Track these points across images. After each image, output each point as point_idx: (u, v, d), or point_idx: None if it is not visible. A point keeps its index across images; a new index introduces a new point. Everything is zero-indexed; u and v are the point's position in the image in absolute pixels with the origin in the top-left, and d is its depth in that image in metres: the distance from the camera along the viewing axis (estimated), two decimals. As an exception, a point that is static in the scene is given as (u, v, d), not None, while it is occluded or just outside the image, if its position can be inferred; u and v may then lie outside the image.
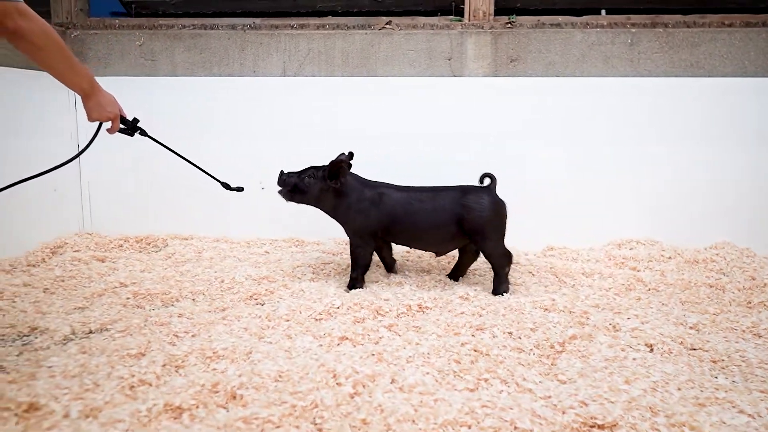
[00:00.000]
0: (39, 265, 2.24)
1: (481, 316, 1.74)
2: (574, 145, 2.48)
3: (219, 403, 1.20)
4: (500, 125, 2.50)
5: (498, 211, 1.98)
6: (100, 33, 2.63)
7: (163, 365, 1.38)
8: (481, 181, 2.06)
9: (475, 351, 1.45)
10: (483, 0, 2.50)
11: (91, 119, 1.57)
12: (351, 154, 2.00)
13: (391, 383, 1.26)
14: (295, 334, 1.59)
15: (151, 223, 2.68)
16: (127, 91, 2.59)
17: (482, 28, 2.50)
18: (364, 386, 1.25)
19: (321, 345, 1.51)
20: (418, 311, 1.78)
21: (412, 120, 2.52)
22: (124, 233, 2.66)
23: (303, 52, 2.55)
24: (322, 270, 2.23)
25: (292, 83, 2.56)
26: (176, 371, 1.36)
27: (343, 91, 2.53)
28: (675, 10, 2.50)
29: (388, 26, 2.53)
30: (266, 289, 1.96)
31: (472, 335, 1.59)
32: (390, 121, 2.53)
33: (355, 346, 1.52)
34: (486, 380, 1.32)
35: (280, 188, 1.97)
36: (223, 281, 2.06)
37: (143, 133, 1.76)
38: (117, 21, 2.67)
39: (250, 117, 2.58)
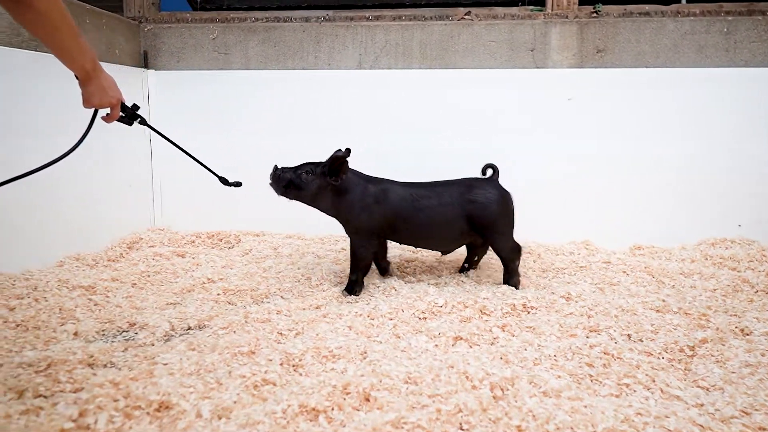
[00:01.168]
0: (119, 260, 2.21)
1: (590, 317, 1.65)
2: (663, 139, 2.37)
3: (353, 405, 1.14)
4: (587, 118, 2.40)
5: (507, 204, 1.91)
6: (173, 27, 2.60)
7: (281, 364, 1.32)
8: (484, 172, 1.98)
9: (606, 354, 1.36)
10: (567, -12, 2.41)
11: (89, 105, 1.36)
12: (348, 151, 1.83)
13: (531, 386, 1.18)
14: (404, 334, 1.53)
15: (222, 220, 2.65)
16: (200, 85, 2.60)
17: (566, 17, 2.40)
18: (502, 389, 1.18)
19: (437, 345, 1.44)
20: (522, 311, 1.69)
21: (492, 113, 2.43)
22: (195, 229, 2.64)
23: (380, 44, 2.49)
24: (406, 267, 2.16)
25: (368, 76, 2.50)
26: (295, 370, 1.31)
27: (420, 84, 2.46)
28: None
29: (467, 17, 2.45)
30: (367, 291, 1.90)
31: (587, 336, 1.50)
32: (470, 115, 2.44)
33: (471, 346, 1.45)
34: (627, 385, 1.24)
35: (271, 182, 1.85)
36: (309, 278, 2.01)
37: (143, 122, 1.58)
38: (189, 15, 2.65)
39: (325, 110, 2.53)
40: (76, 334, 1.53)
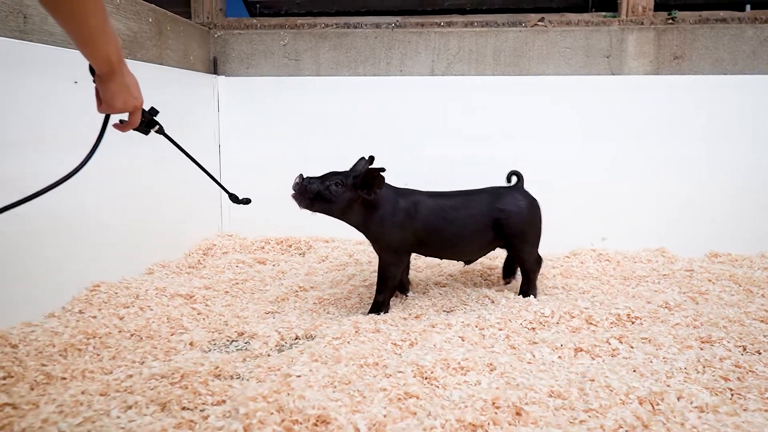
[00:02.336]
0: (200, 267, 2.22)
1: (697, 327, 1.64)
2: (740, 145, 2.36)
3: (507, 420, 1.14)
4: (664, 124, 2.39)
5: (536, 212, 1.88)
6: (243, 33, 2.61)
7: (414, 376, 1.32)
8: (509, 179, 1.95)
9: (737, 367, 1.36)
10: (643, -5, 2.40)
11: (109, 108, 1.13)
12: (372, 158, 1.80)
13: (682, 401, 1.18)
14: (519, 345, 1.52)
15: (288, 226, 2.64)
16: (270, 91, 2.60)
17: (642, 24, 2.39)
18: (652, 404, 1.17)
19: (560, 357, 1.44)
20: (627, 321, 1.69)
21: (568, 120, 2.43)
22: (262, 235, 2.64)
23: (453, 51, 2.49)
24: (489, 276, 2.16)
25: (441, 82, 2.50)
26: (430, 383, 1.31)
27: (494, 91, 2.46)
28: None
29: (540, 23, 2.45)
30: (456, 298, 1.90)
31: (701, 348, 1.50)
32: (545, 121, 2.44)
33: (593, 358, 1.44)
34: (772, 401, 1.23)
35: (294, 193, 1.70)
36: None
37: (160, 130, 1.36)
38: (257, 21, 2.65)
39: (397, 116, 2.53)
40: (191, 344, 1.54)
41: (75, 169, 1.10)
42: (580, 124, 2.43)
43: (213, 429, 1.10)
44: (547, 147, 2.44)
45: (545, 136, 2.45)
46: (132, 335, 1.55)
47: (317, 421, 1.12)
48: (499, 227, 1.81)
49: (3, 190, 1.34)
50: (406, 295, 1.94)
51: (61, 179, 1.07)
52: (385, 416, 1.15)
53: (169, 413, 1.19)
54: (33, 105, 1.52)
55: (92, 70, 1.10)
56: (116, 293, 1.76)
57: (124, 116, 1.21)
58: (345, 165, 1.84)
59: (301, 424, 1.11)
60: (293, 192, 1.70)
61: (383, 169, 1.66)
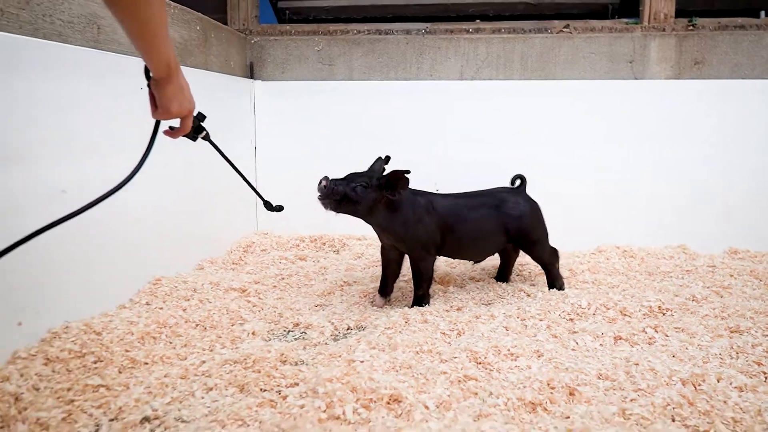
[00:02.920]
0: (242, 264, 2.32)
1: (724, 318, 1.75)
2: (760, 146, 2.47)
3: (563, 399, 1.24)
4: (685, 127, 2.50)
5: (537, 212, 1.98)
6: (279, 39, 2.71)
7: (469, 361, 1.43)
8: (513, 182, 2.05)
9: (770, 353, 1.46)
10: (664, 2, 2.51)
11: (168, 111, 1.15)
12: (388, 158, 1.87)
13: (722, 382, 1.28)
14: (561, 334, 1.63)
15: (320, 224, 2.74)
16: (305, 95, 2.70)
17: (664, 30, 2.50)
18: (695, 385, 1.27)
19: (602, 344, 1.54)
20: (658, 312, 1.79)
21: (593, 122, 2.53)
22: (297, 234, 2.75)
23: (482, 56, 2.59)
24: (521, 271, 2.27)
25: (470, 87, 2.60)
26: (484, 368, 1.41)
27: (522, 95, 2.56)
28: None
29: (565, 30, 2.55)
30: (493, 292, 2.00)
31: (730, 337, 1.60)
32: (570, 124, 2.55)
33: (632, 345, 1.55)
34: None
35: (321, 196, 1.71)
36: (434, 280, 2.12)
37: (207, 136, 1.41)
38: (291, 27, 2.76)
39: (426, 119, 2.63)
40: (254, 333, 1.64)
41: (128, 177, 1.11)
42: (604, 127, 2.54)
43: (295, 407, 1.20)
44: (572, 149, 2.55)
45: (571, 138, 2.55)
46: (197, 325, 1.66)
47: (390, 399, 1.22)
48: (507, 230, 1.91)
49: (78, 191, 1.45)
50: (388, 299, 1.95)
51: (115, 187, 1.08)
52: (449, 396, 1.26)
53: (248, 394, 1.29)
54: (103, 110, 1.63)
55: (147, 76, 1.13)
56: (176, 287, 1.87)
57: (174, 122, 1.23)
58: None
59: (375, 402, 1.21)
60: (319, 194, 1.72)
61: (408, 171, 1.72)
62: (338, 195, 1.71)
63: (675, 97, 2.49)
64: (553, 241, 2.07)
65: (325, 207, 1.75)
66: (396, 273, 1.94)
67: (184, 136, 1.29)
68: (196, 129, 1.35)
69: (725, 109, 2.47)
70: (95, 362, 1.35)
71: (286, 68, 2.72)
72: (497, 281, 2.13)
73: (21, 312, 1.32)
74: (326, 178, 1.71)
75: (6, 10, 1.27)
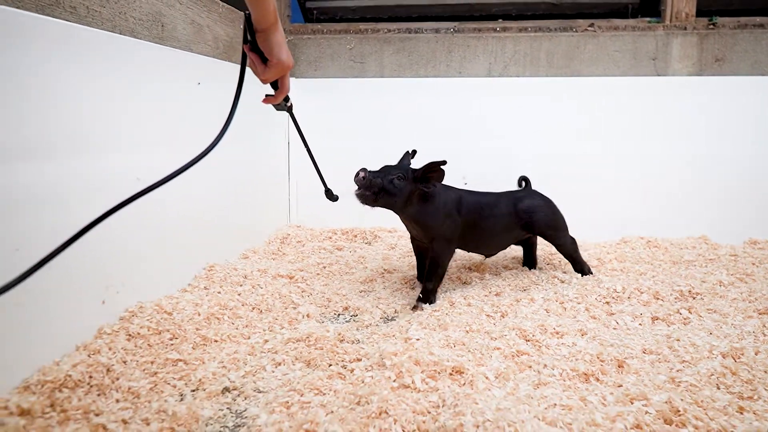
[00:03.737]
0: (282, 254, 2.41)
1: (752, 302, 1.83)
2: (765, 143, 2.56)
3: (613, 371, 1.33)
4: (705, 122, 2.59)
5: (551, 205, 2.07)
6: (312, 38, 2.81)
7: (518, 338, 1.51)
8: (519, 184, 2.16)
9: (801, 331, 1.55)
10: (686, 2, 2.60)
11: (279, 60, 1.14)
12: (414, 152, 1.92)
13: (760, 355, 1.37)
14: (599, 315, 1.72)
15: (350, 217, 2.83)
16: (337, 92, 2.79)
17: (686, 29, 2.59)
18: (734, 358, 1.36)
19: (641, 324, 1.63)
20: (689, 296, 1.88)
21: (617, 118, 2.62)
22: (328, 226, 2.84)
23: (509, 54, 2.68)
24: (551, 260, 2.35)
25: (498, 83, 2.69)
26: (534, 344, 1.50)
27: (548, 91, 2.66)
28: None
29: (590, 29, 2.64)
30: (528, 279, 2.10)
31: (760, 317, 1.69)
32: (595, 119, 2.64)
33: (669, 325, 1.64)
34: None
35: (361, 190, 1.72)
36: (469, 268, 2.21)
37: (291, 108, 1.44)
38: (323, 26, 2.85)
39: (455, 115, 2.72)
40: (308, 315, 1.73)
41: (209, 147, 1.08)
42: (627, 122, 2.63)
43: (367, 377, 1.29)
44: (597, 143, 2.64)
45: (596, 133, 2.64)
46: (254, 308, 1.75)
47: (452, 371, 1.31)
48: (530, 226, 1.99)
49: (151, 179, 1.53)
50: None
51: (190, 162, 1.04)
52: (506, 368, 1.35)
53: (316, 368, 1.38)
54: (167, 102, 1.72)
55: (245, 37, 1.13)
56: (228, 273, 1.96)
57: (268, 90, 1.28)
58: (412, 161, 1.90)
59: (440, 373, 1.30)
60: (357, 188, 1.71)
61: (444, 162, 1.74)
62: (376, 187, 1.72)
63: (696, 93, 2.58)
64: (579, 233, 2.16)
65: (362, 200, 1.74)
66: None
67: (275, 104, 1.32)
68: (285, 97, 1.33)
69: (745, 105, 2.56)
70: (171, 339, 1.44)
71: (318, 66, 2.81)
72: (528, 268, 2.22)
73: (104, 291, 1.41)
74: (364, 169, 1.72)
75: (90, 7, 1.36)
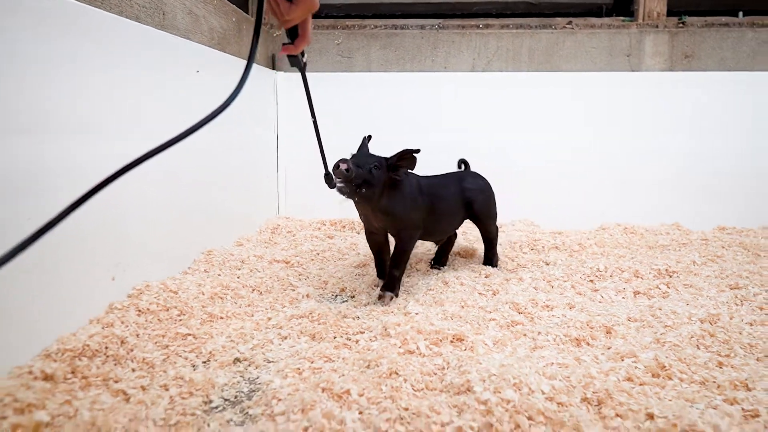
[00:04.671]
0: (273, 243, 2.45)
1: (723, 278, 1.96)
2: (744, 132, 2.72)
3: (602, 336, 1.42)
4: (674, 115, 2.74)
5: (491, 188, 2.08)
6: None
7: (512, 310, 1.60)
8: (459, 166, 2.16)
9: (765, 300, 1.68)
10: (657, 2, 2.75)
11: (307, 1, 1.06)
12: (369, 137, 1.82)
13: (734, 320, 1.48)
14: (585, 291, 1.82)
15: (335, 209, 2.88)
16: (325, 86, 2.85)
17: (657, 27, 2.74)
18: (711, 322, 1.47)
19: (624, 297, 1.74)
20: (666, 275, 2.00)
21: (594, 110, 2.75)
22: (316, 217, 2.89)
23: (492, 50, 2.79)
24: (535, 246, 2.45)
25: (481, 78, 2.79)
26: (526, 316, 1.58)
27: (529, 86, 2.77)
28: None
29: (568, 26, 2.77)
30: (515, 262, 2.19)
31: (732, 291, 1.81)
32: (573, 112, 2.76)
33: (649, 298, 1.75)
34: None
35: (343, 183, 1.58)
36: (459, 254, 2.29)
37: (305, 66, 1.38)
38: (313, 22, 2.90)
39: (440, 109, 2.81)
40: (307, 296, 1.78)
41: (220, 108, 0.94)
42: (604, 115, 2.76)
43: (372, 345, 1.35)
44: (576, 135, 2.76)
45: (575, 126, 2.77)
46: (254, 290, 1.79)
47: (453, 338, 1.38)
48: (470, 206, 1.98)
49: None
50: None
51: (200, 122, 0.93)
52: (502, 336, 1.43)
53: (321, 340, 1.44)
54: (167, 89, 1.75)
55: None
56: (226, 258, 2.00)
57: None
58: (391, 153, 1.74)
59: (442, 340, 1.37)
60: (339, 180, 1.58)
61: (418, 150, 1.67)
62: (359, 179, 1.59)
63: (667, 87, 2.73)
64: (559, 221, 2.27)
65: (343, 193, 1.62)
66: (389, 253, 1.90)
67: (293, 59, 1.25)
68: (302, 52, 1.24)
69: (712, 98, 2.72)
70: (179, 315, 1.48)
71: (307, 60, 2.86)
72: (435, 266, 2.11)
73: (114, 268, 1.44)
74: (344, 160, 1.57)
75: (100, -8, 1.40)
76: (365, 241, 2.46)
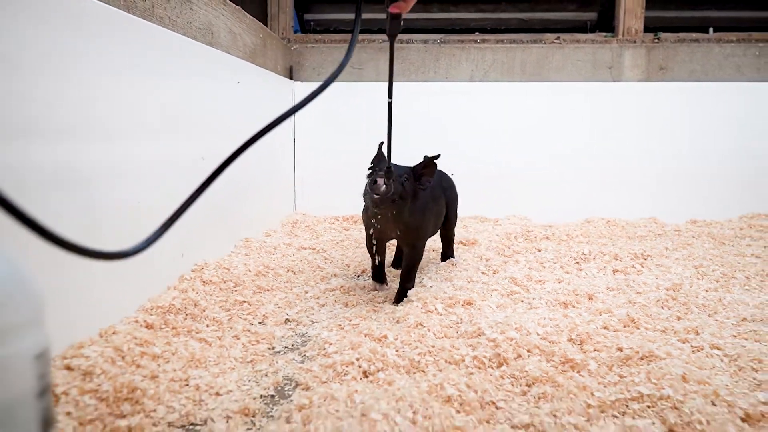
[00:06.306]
0: (295, 235, 2.74)
1: (690, 261, 2.28)
2: (713, 136, 3.06)
3: (585, 301, 1.73)
4: (654, 119, 3.07)
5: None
6: (315, 46, 3.17)
7: (510, 283, 1.90)
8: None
9: (723, 275, 1.99)
10: (635, 20, 3.09)
11: None
12: (382, 143, 1.73)
13: (694, 287, 1.80)
14: (571, 270, 2.13)
15: (347, 205, 3.16)
16: (337, 95, 3.14)
17: (635, 42, 3.08)
18: (675, 290, 1.79)
19: (604, 273, 2.05)
20: (641, 258, 2.31)
21: (579, 116, 3.08)
22: (330, 214, 3.18)
23: (488, 62, 3.11)
24: (528, 236, 2.77)
25: (479, 87, 3.11)
26: (522, 287, 1.89)
27: (522, 94, 3.09)
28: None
29: (556, 41, 3.10)
30: (511, 249, 2.50)
31: (695, 269, 2.13)
32: (561, 117, 3.09)
33: (626, 275, 2.06)
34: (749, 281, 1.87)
35: (380, 199, 1.55)
36: (462, 242, 2.59)
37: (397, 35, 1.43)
38: (324, 36, 3.21)
39: (442, 116, 3.12)
40: (335, 275, 2.08)
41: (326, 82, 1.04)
42: (589, 120, 3.09)
43: (398, 308, 1.65)
44: (564, 139, 3.08)
45: (563, 130, 3.09)
46: (288, 270, 2.08)
47: (464, 303, 1.68)
48: (448, 206, 2.03)
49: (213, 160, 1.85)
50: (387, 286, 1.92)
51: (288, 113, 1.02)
52: (503, 302, 1.73)
53: (354, 306, 1.73)
54: (207, 96, 2.04)
55: None
56: (261, 245, 2.29)
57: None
58: (397, 157, 1.68)
59: (455, 304, 1.67)
60: (377, 197, 1.54)
61: (438, 156, 1.68)
62: (396, 194, 1.57)
63: (644, 96, 3.06)
64: (549, 215, 2.57)
65: (382, 209, 1.60)
66: (384, 254, 1.92)
67: (393, 25, 1.36)
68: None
69: (684, 106, 3.05)
70: (234, 286, 1.77)
71: (321, 71, 3.17)
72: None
73: (181, 247, 1.73)
74: (380, 175, 1.53)
75: (171, 17, 1.70)
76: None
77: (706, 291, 1.78)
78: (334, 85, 3.24)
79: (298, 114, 3.15)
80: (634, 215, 3.11)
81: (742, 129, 3.06)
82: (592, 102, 3.08)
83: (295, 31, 3.39)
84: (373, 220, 1.71)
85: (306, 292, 1.87)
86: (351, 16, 3.52)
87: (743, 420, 1.01)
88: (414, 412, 1.00)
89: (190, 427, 1.03)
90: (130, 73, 1.45)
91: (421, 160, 1.71)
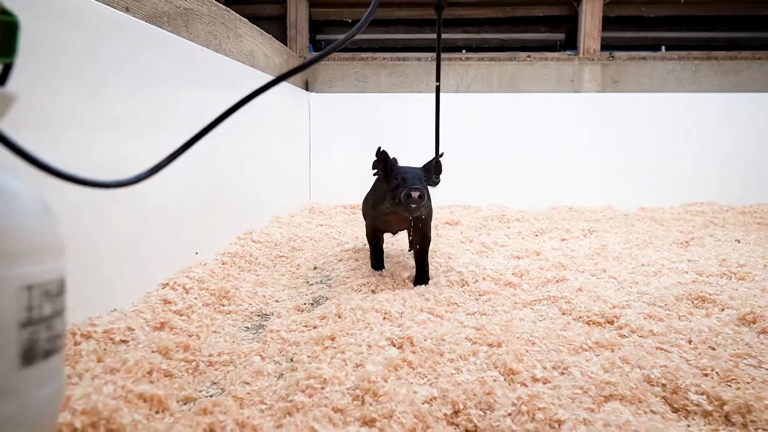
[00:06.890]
0: (312, 218, 3.36)
1: (635, 236, 2.89)
2: (657, 138, 3.68)
3: (557, 270, 2.35)
4: (609, 124, 3.69)
5: None
6: (327, 63, 3.80)
7: (481, 246, 2.52)
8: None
9: (675, 244, 2.61)
10: (593, 41, 3.71)
11: None
12: (380, 147, 1.87)
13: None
14: (530, 239, 2.74)
15: (352, 195, 3.78)
16: (346, 104, 3.77)
17: (593, 59, 3.70)
18: (602, 249, 2.40)
19: (554, 241, 2.67)
20: (588, 233, 2.93)
21: (546, 121, 3.70)
22: (340, 203, 3.80)
23: (471, 76, 3.74)
24: (501, 219, 3.38)
25: (463, 97, 3.74)
26: (488, 249, 2.50)
27: (499, 103, 3.72)
28: (718, 46, 3.73)
29: (528, 59, 3.73)
30: (486, 227, 3.11)
31: (637, 245, 2.74)
32: (531, 123, 3.71)
33: (570, 242, 2.67)
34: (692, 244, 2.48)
35: (417, 207, 1.70)
36: (462, 231, 3.21)
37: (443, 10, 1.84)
38: (333, 54, 3.84)
39: (432, 122, 3.73)
40: (347, 242, 2.69)
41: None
42: (554, 124, 3.71)
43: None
44: (534, 139, 3.71)
45: (533, 133, 3.71)
46: (311, 239, 2.70)
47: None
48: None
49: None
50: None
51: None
52: (472, 257, 2.34)
53: (362, 261, 2.34)
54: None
55: None
56: (288, 221, 2.91)
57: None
58: (397, 157, 1.88)
59: (438, 256, 2.28)
60: (414, 206, 1.69)
61: (443, 154, 2.01)
62: (425, 199, 1.72)
63: (601, 104, 3.68)
64: (520, 204, 3.18)
65: (415, 214, 1.74)
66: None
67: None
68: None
69: (633, 113, 3.67)
70: (275, 246, 2.39)
71: (332, 84, 3.80)
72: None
73: (238, 215, 2.35)
74: (415, 188, 1.68)
75: (224, 45, 2.32)
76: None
77: (624, 249, 2.40)
78: (343, 96, 3.95)
79: (313, 119, 3.78)
80: (593, 203, 3.72)
81: (683, 131, 3.68)
82: (557, 109, 3.70)
83: (310, 51, 4.02)
84: (387, 218, 1.89)
85: (327, 252, 2.48)
86: (357, 38, 4.15)
87: (612, 309, 1.62)
88: (403, 303, 1.62)
89: (265, 315, 1.65)
90: (210, 93, 2.07)
91: (427, 160, 2.00)
